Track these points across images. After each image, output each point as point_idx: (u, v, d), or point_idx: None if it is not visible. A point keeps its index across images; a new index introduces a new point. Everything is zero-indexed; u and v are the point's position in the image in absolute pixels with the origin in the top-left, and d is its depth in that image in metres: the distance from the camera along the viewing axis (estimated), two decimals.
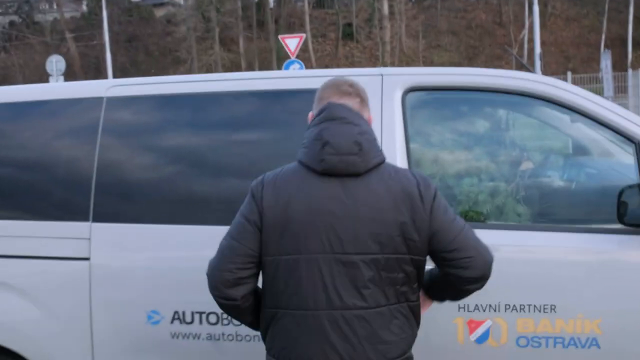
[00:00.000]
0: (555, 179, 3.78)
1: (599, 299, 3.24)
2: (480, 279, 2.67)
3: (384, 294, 2.57)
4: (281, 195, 2.59)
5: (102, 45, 36.69)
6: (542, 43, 35.78)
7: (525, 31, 44.65)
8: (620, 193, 3.23)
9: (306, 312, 2.56)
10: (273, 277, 2.61)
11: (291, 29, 44.34)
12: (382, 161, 2.64)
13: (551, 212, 3.61)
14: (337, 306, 2.53)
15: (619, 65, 38.35)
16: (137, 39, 50.84)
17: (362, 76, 3.54)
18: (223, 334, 3.49)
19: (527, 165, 3.71)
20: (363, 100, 2.76)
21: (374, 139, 2.64)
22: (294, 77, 3.88)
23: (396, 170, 2.68)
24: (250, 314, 2.75)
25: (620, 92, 25.58)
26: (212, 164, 3.66)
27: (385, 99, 3.49)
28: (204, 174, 3.67)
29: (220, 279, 2.62)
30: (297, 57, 18.89)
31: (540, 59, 24.39)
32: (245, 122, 3.71)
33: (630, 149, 3.37)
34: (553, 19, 49.71)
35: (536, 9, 30.32)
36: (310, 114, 2.78)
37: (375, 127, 3.44)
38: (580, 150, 3.85)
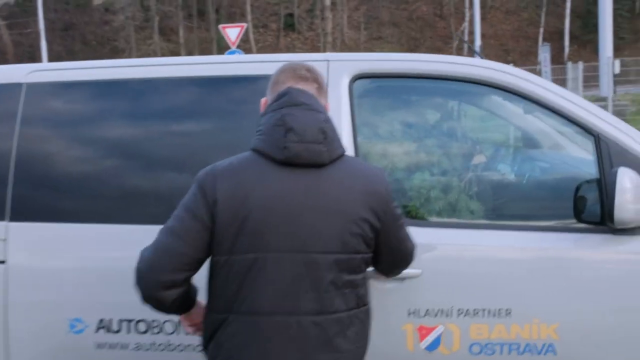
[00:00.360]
0: (510, 174, 3.59)
1: (556, 302, 3.05)
2: (397, 273, 2.79)
3: (343, 299, 2.39)
4: (237, 188, 2.35)
5: (37, 33, 35.66)
6: (482, 36, 36.10)
7: (466, 24, 45.06)
8: (577, 189, 3.06)
9: (260, 317, 2.34)
10: (225, 279, 2.38)
11: (232, 19, 43.77)
12: (344, 153, 2.46)
13: (506, 209, 3.41)
14: (293, 311, 2.33)
15: (557, 59, 38.93)
16: (74, 27, 49.59)
17: (307, 62, 3.33)
18: (154, 344, 3.21)
19: (479, 159, 3.51)
20: (320, 87, 2.58)
21: (336, 129, 2.46)
22: (237, 62, 3.56)
23: (358, 162, 2.56)
24: (176, 309, 2.53)
25: (558, 84, 25.88)
26: (144, 158, 3.36)
27: (331, 86, 3.23)
28: (136, 168, 3.37)
29: (154, 279, 2.38)
30: (238, 47, 18.54)
31: (481, 51, 24.51)
32: (183, 111, 3.40)
33: (589, 142, 3.18)
34: (493, 11, 50.23)
35: (477, 1, 30.51)
36: (264, 100, 2.57)
37: None
38: (536, 142, 3.66)
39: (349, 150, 3.14)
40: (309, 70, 2.58)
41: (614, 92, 21.16)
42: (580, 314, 3.05)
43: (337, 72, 3.30)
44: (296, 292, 2.33)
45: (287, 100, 2.43)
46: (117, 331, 3.22)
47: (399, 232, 2.56)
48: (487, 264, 3.11)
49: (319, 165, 2.37)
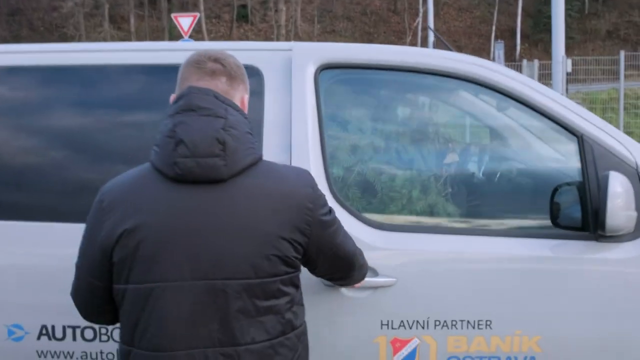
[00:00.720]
0: (487, 175, 3.37)
1: (538, 312, 2.86)
2: (349, 281, 2.58)
3: (262, 327, 2.10)
4: (129, 208, 2.09)
5: None
6: (436, 32, 36.23)
7: (419, 19, 45.18)
8: (554, 192, 2.87)
9: (161, 353, 2.07)
10: (125, 310, 2.14)
11: (184, 9, 43.16)
12: (257, 160, 2.13)
13: (484, 212, 3.20)
14: (197, 345, 2.05)
15: (508, 57, 39.35)
16: (21, 12, 48.45)
17: (270, 50, 3.11)
18: (101, 352, 2.94)
19: (452, 158, 3.30)
20: (233, 78, 2.23)
21: (245, 133, 2.13)
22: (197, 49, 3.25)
23: (276, 170, 2.19)
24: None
25: None
26: (86, 152, 3.07)
27: (295, 77, 2.98)
28: (77, 162, 3.07)
29: (82, 308, 2.31)
30: (190, 37, 18.15)
31: (434, 47, 24.57)
32: (136, 100, 3.13)
33: (572, 143, 2.99)
34: (446, 8, 50.58)
35: None
36: (173, 97, 2.23)
37: (284, 110, 2.97)
38: (514, 141, 3.45)
39: (315, 147, 2.92)
40: (217, 60, 2.23)
41: (566, 90, 21.30)
42: (563, 325, 2.86)
43: (301, 60, 3.03)
44: (200, 323, 2.05)
45: (182, 105, 2.12)
46: (62, 338, 2.94)
47: (334, 239, 2.28)
48: (466, 271, 2.89)
49: (218, 181, 2.06)
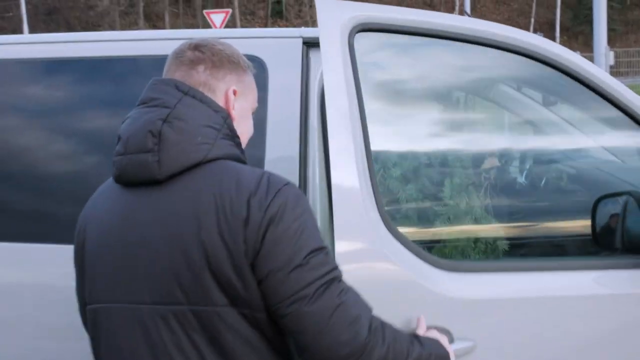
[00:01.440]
0: (545, 184, 2.80)
1: None
2: None
3: None
4: (83, 219, 1.90)
5: (19, 18, 34.90)
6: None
7: (456, 13, 44.62)
8: (598, 203, 2.32)
9: None
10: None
11: (219, 5, 43.14)
12: (209, 158, 1.73)
13: (568, 239, 2.63)
14: None
15: None
16: (57, 12, 48.72)
17: (275, 38, 2.71)
18: None
19: (492, 163, 2.73)
20: (216, 67, 1.87)
21: (201, 125, 1.74)
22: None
23: (229, 170, 1.73)
24: None
25: None
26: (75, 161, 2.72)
27: (324, 42, 2.16)
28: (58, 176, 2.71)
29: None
30: None
31: None
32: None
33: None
34: (483, 1, 49.81)
35: None
36: None
37: (293, 107, 2.47)
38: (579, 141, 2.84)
39: (356, 151, 2.09)
40: (197, 47, 1.88)
41: None
42: None
43: (329, 19, 2.20)
44: (134, 356, 1.71)
45: (139, 99, 1.84)
46: None
47: (294, 302, 1.63)
48: (559, 322, 2.25)
49: (154, 182, 1.72)
